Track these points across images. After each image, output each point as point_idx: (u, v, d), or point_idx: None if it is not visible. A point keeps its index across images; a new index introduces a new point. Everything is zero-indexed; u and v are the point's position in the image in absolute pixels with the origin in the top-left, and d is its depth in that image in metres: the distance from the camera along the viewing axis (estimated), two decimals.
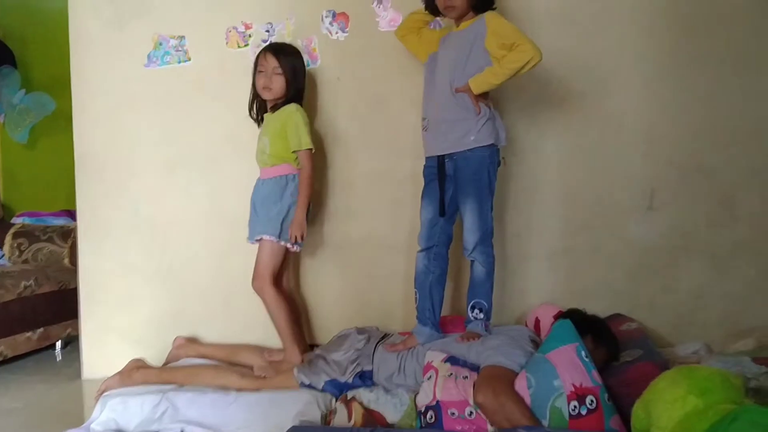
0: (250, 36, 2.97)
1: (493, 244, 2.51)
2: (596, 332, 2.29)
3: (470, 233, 2.47)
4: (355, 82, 2.91)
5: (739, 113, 2.79)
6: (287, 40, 2.93)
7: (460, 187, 2.48)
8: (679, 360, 2.50)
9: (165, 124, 3.03)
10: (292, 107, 2.69)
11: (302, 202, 2.66)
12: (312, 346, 2.82)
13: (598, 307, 2.72)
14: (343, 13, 2.90)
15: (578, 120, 2.86)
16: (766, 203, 2.80)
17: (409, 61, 2.84)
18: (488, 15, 2.43)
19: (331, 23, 2.92)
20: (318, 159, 2.94)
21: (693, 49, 2.80)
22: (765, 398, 2.04)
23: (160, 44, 3.01)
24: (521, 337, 2.38)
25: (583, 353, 2.11)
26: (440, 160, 2.50)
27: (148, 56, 3.02)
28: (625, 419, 1.98)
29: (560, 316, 2.42)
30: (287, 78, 2.69)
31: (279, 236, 2.67)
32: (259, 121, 2.83)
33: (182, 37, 3.00)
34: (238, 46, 2.98)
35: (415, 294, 2.60)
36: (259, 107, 2.82)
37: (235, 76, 2.96)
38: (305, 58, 2.90)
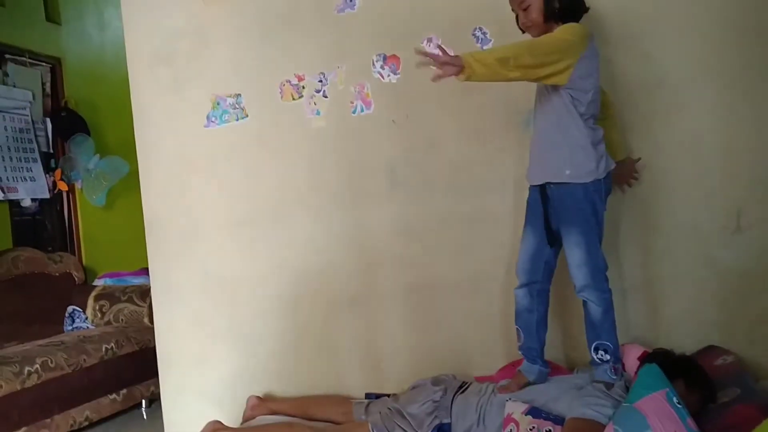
0: (303, 87, 2.97)
1: (608, 278, 2.31)
2: (688, 375, 2.12)
3: (577, 270, 2.27)
4: (411, 124, 2.85)
5: None
6: (339, 87, 2.92)
7: (561, 218, 2.30)
8: None
9: (227, 181, 3.06)
10: None
11: None
12: (377, 396, 2.74)
13: (687, 340, 2.55)
14: (394, 56, 2.86)
15: (649, 142, 2.69)
16: None
17: (463, 98, 2.77)
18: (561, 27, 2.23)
19: (382, 67, 2.88)
20: (378, 203, 2.91)
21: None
22: None
23: (218, 104, 3.05)
24: (611, 384, 2.23)
25: (674, 399, 1.95)
26: (542, 188, 2.33)
27: (207, 116, 3.07)
28: None
29: (645, 358, 2.25)
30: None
31: None
32: None
33: (238, 95, 3.04)
34: (293, 98, 2.99)
35: (518, 331, 2.45)
36: None
37: (292, 128, 2.98)
38: (359, 104, 2.89)
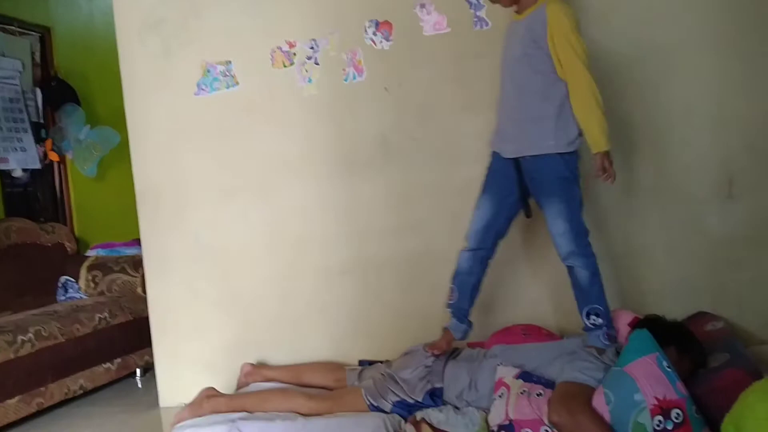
0: (294, 54, 2.94)
1: (590, 243, 2.34)
2: (679, 341, 2.14)
3: (561, 238, 2.29)
4: (403, 92, 2.83)
5: None
6: (331, 54, 2.89)
7: (540, 188, 2.32)
8: None
9: (218, 150, 3.03)
10: None
11: None
12: (370, 363, 2.76)
13: (678, 307, 2.57)
14: (386, 22, 2.83)
15: (641, 109, 2.69)
16: None
17: (457, 65, 2.75)
18: (552, 5, 2.21)
19: (374, 33, 2.85)
20: (371, 172, 2.89)
21: (764, 22, 2.59)
22: None
23: (208, 71, 3.02)
24: (601, 348, 2.25)
25: (664, 363, 1.97)
26: (516, 161, 2.35)
27: (198, 84, 3.03)
28: None
29: (637, 323, 2.27)
30: None
31: None
32: None
33: (229, 62, 3.00)
34: (284, 66, 2.96)
35: (452, 290, 2.52)
36: None
37: (283, 95, 2.95)
38: (351, 71, 2.87)
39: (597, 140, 2.21)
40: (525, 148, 2.30)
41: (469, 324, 2.52)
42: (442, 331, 2.52)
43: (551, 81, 2.26)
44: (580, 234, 2.29)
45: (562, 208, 2.27)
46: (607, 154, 2.22)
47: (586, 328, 2.33)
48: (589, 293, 2.30)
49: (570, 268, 2.33)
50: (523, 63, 2.28)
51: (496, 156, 2.43)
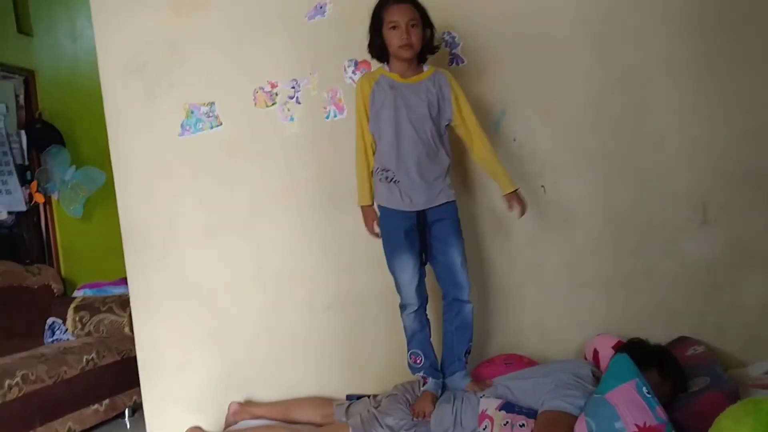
0: (276, 94, 3.00)
1: None
2: (661, 365, 2.18)
3: (466, 273, 2.48)
4: None
5: None
6: (313, 94, 2.95)
7: (448, 230, 2.48)
8: (751, 382, 2.36)
9: (202, 190, 3.06)
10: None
11: None
12: (358, 397, 2.77)
13: (659, 331, 2.62)
14: (365, 61, 2.89)
15: (616, 139, 2.76)
16: None
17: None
18: (447, 73, 2.52)
19: (354, 72, 2.92)
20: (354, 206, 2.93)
21: (731, 48, 2.67)
22: None
23: (192, 112, 3.07)
24: (581, 375, 2.28)
25: (644, 389, 2.00)
26: (421, 213, 2.48)
27: (181, 125, 3.07)
28: None
29: (620, 347, 2.31)
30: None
31: None
32: None
33: (212, 104, 3.05)
34: (266, 105, 3.01)
35: (415, 355, 2.55)
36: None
37: (266, 135, 3.00)
38: (332, 109, 2.93)
39: (509, 181, 2.49)
40: (433, 199, 2.47)
41: (440, 377, 2.56)
42: (421, 393, 2.50)
43: (447, 137, 2.53)
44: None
45: (462, 246, 2.50)
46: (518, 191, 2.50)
47: (460, 368, 2.49)
48: (470, 330, 2.50)
49: (461, 306, 2.50)
50: (430, 122, 2.46)
51: (394, 213, 2.51)
